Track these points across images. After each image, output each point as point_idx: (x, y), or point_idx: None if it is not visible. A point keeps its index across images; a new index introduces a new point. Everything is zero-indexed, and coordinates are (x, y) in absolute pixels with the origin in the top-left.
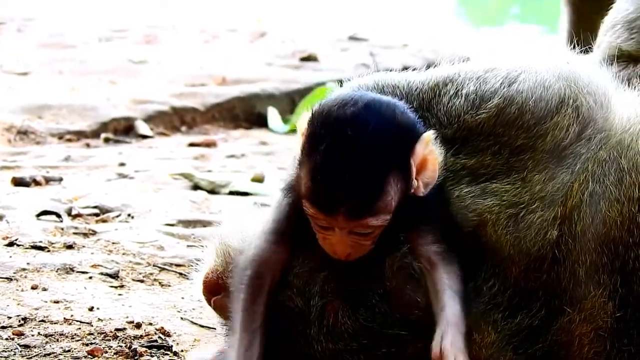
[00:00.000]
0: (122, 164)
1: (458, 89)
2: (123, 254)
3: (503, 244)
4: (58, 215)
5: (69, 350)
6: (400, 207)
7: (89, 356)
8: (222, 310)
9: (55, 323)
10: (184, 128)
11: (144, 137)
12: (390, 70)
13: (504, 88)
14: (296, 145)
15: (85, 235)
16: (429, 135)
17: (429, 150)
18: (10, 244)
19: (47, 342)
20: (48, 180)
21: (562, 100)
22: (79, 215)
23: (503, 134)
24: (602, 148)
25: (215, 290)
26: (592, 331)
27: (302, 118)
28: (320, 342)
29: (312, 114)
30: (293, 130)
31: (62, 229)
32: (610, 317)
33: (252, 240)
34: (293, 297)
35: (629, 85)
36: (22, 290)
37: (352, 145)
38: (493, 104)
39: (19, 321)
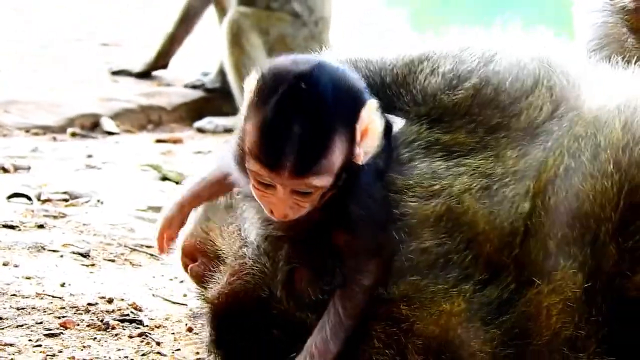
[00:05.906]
0: (89, 156)
1: (434, 67)
2: (94, 234)
3: (478, 219)
4: (29, 198)
5: (41, 322)
6: (340, 176)
7: (61, 328)
8: (199, 278)
9: (27, 297)
10: (150, 126)
11: (110, 133)
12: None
13: (480, 68)
14: (243, 105)
15: (55, 217)
16: (374, 102)
17: (372, 119)
18: None
19: (19, 315)
20: (17, 169)
21: (537, 80)
22: (48, 200)
23: (479, 113)
24: (578, 124)
25: (193, 255)
26: (561, 302)
27: (251, 78)
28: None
29: (262, 71)
30: None
31: (33, 211)
32: (579, 289)
33: None
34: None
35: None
36: None
37: (303, 100)
38: (470, 84)
39: None
